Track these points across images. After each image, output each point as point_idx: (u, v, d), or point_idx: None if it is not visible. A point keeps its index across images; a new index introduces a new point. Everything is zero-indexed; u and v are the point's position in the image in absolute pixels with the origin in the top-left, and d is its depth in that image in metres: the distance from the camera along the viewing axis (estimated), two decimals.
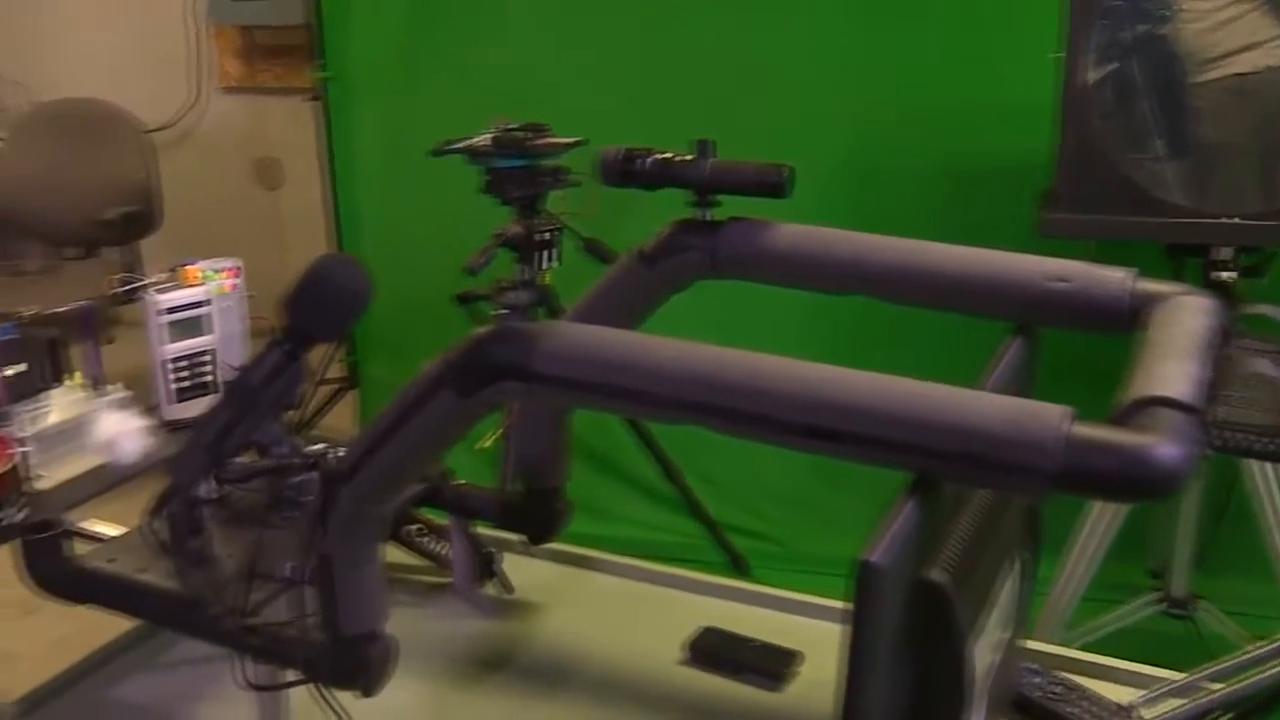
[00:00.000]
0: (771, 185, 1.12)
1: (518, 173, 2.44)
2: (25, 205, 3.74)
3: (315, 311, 0.97)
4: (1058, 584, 2.08)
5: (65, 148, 3.74)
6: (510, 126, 2.46)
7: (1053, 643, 1.26)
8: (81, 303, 1.40)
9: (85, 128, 3.76)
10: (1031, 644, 1.21)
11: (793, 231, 1.13)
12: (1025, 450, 0.71)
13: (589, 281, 2.52)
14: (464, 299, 2.68)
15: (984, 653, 0.84)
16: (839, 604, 1.33)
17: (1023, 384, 0.98)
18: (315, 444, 1.13)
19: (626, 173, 1.17)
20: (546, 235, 2.51)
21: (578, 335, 0.85)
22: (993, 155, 2.61)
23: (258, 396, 1.00)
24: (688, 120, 2.82)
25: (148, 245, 3.82)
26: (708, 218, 1.16)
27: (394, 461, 0.93)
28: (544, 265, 2.53)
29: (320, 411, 3.37)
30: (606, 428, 2.85)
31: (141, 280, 1.44)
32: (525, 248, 2.50)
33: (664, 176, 1.15)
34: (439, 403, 0.88)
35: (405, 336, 3.05)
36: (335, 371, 3.47)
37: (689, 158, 1.15)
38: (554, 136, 2.46)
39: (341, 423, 3.40)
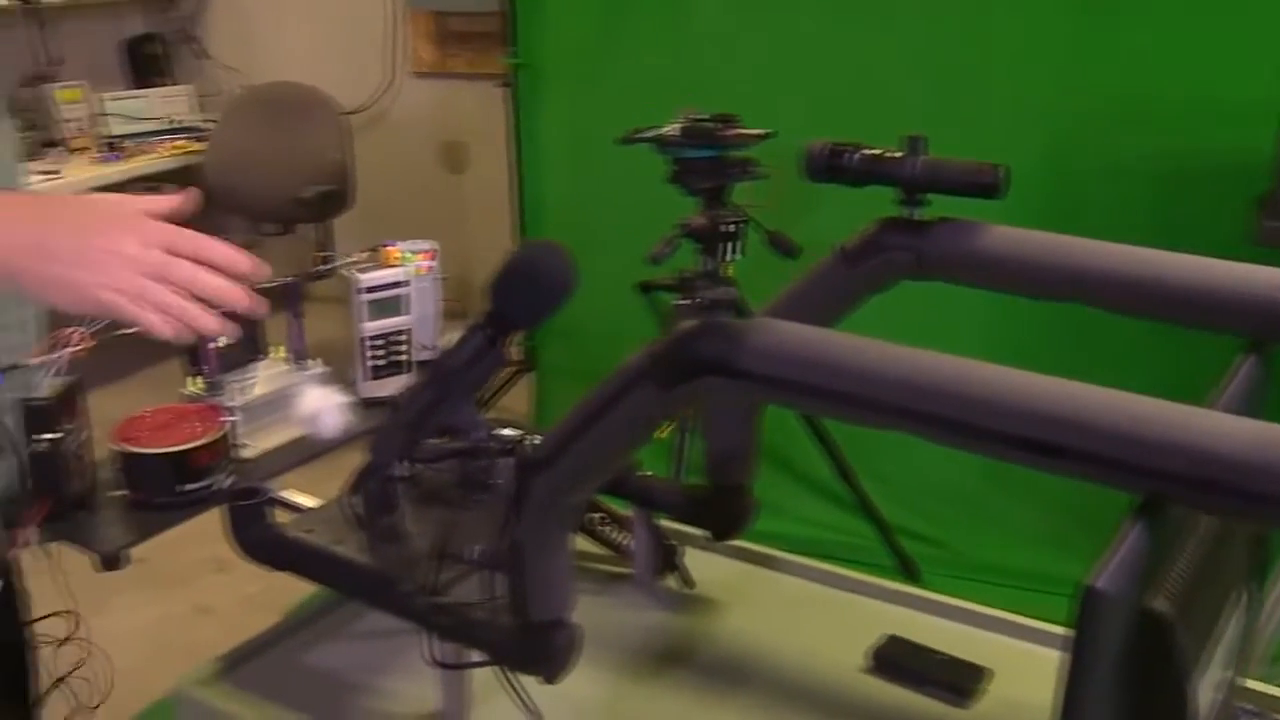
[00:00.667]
0: (985, 186, 1.07)
1: (706, 163, 2.42)
2: (232, 183, 3.91)
3: (519, 298, 0.97)
4: (1262, 613, 1.96)
5: (270, 129, 3.90)
6: (699, 117, 2.44)
7: (1254, 677, 1.18)
8: (287, 278, 1.43)
9: (289, 110, 3.92)
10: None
11: (1006, 234, 1.08)
12: (1276, 479, 0.66)
13: (770, 274, 2.49)
14: (645, 288, 2.69)
15: (1207, 690, 0.79)
16: (1029, 621, 1.28)
17: (1255, 405, 0.91)
18: (499, 427, 1.13)
19: (831, 168, 1.14)
20: (731, 227, 2.49)
21: (786, 333, 0.82)
22: (1206, 154, 2.47)
23: (457, 379, 1.00)
24: (876, 112, 2.75)
25: (339, 224, 3.95)
26: (915, 217, 1.12)
27: (591, 452, 0.92)
28: (727, 257, 2.51)
29: (497, 393, 3.43)
30: (782, 422, 2.82)
31: (344, 258, 1.48)
32: (709, 239, 2.48)
33: (871, 173, 1.12)
34: (639, 395, 0.87)
35: (584, 323, 3.06)
36: (512, 354, 3.53)
37: (898, 154, 1.11)
38: (743, 128, 2.44)
39: (518, 405, 3.45)
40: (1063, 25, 2.59)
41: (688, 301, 2.53)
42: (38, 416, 1.18)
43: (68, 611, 1.47)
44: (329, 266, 1.45)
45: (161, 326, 0.96)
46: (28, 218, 0.96)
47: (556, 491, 0.95)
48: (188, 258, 0.97)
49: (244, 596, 2.81)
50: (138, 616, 2.77)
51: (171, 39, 4.85)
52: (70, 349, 1.23)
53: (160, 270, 0.95)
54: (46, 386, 1.20)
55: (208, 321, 0.98)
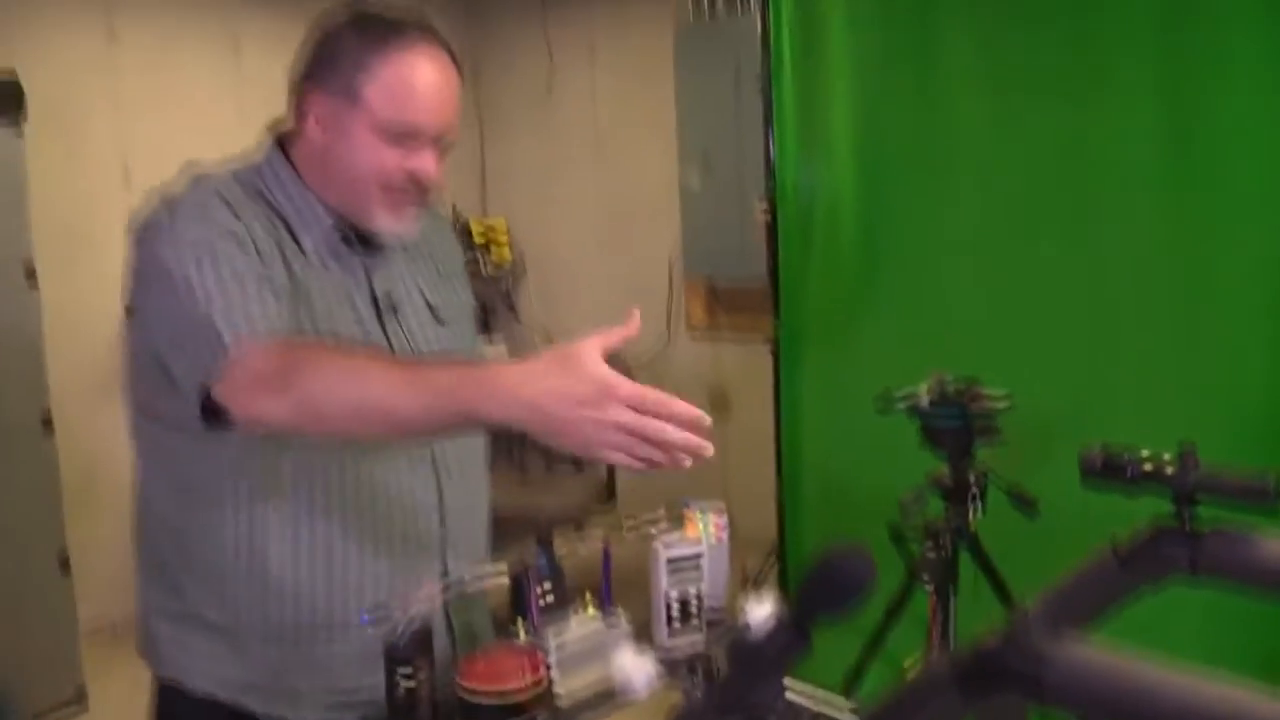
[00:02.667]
0: (1261, 495, 0.99)
1: (953, 427, 2.38)
2: None
3: (825, 593, 0.95)
4: None
5: None
6: (948, 383, 2.41)
7: None
8: (598, 543, 1.47)
9: None
10: None
11: None
12: None
13: (1010, 528, 2.37)
14: (895, 536, 2.61)
15: None
16: None
17: None
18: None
19: (1105, 472, 1.09)
20: (974, 484, 2.41)
21: (1099, 662, 0.77)
22: None
23: (764, 663, 0.98)
24: (1123, 375, 2.65)
25: None
26: (1189, 522, 1.04)
27: None
28: (972, 513, 2.42)
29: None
30: None
31: (650, 522, 1.50)
32: (956, 495, 2.41)
33: (1145, 480, 1.06)
34: (941, 700, 0.83)
35: None
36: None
37: (1170, 463, 1.05)
38: (988, 395, 2.39)
39: None
40: None
41: (934, 552, 2.44)
42: (399, 658, 1.23)
43: None
44: (634, 526, 1.47)
45: (639, 467, 1.11)
46: (526, 382, 1.11)
47: None
48: (652, 414, 1.09)
49: None
50: None
51: (494, 304, 5.22)
52: (429, 598, 1.28)
53: (637, 428, 1.08)
54: (407, 631, 1.24)
55: (672, 461, 1.11)
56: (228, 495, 1.37)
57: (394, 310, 1.46)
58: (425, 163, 1.38)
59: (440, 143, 1.40)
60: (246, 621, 1.40)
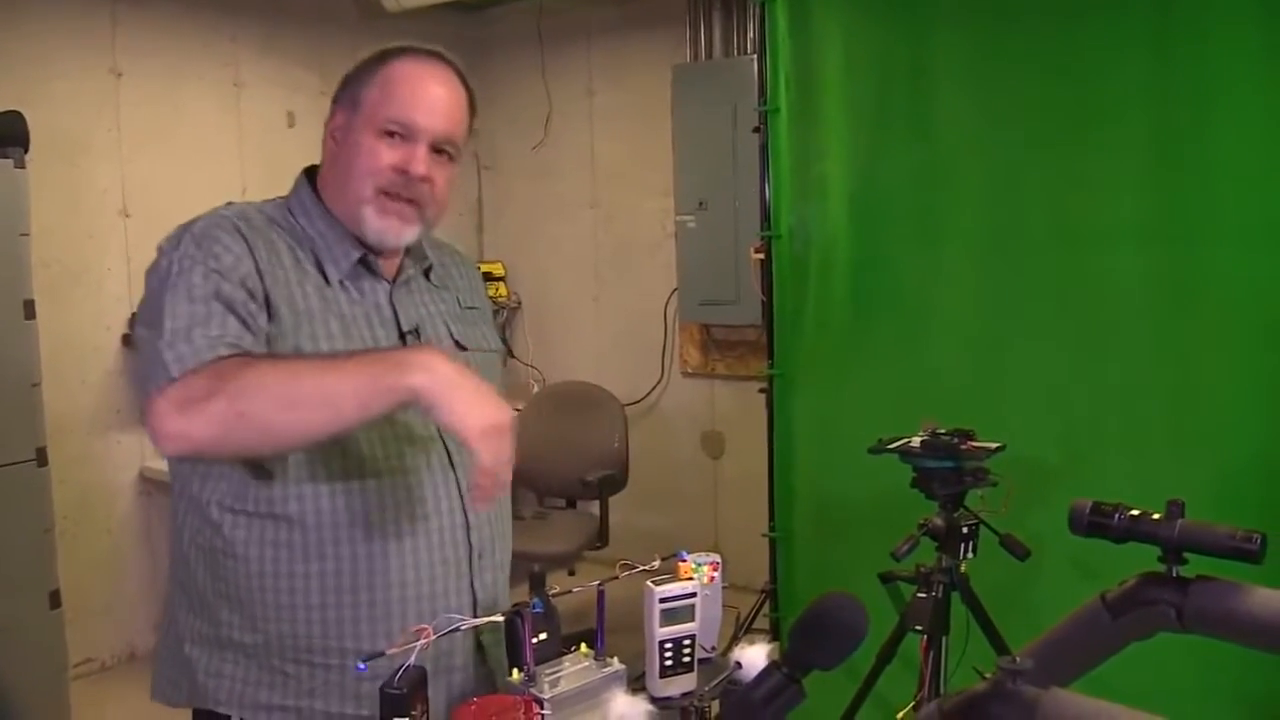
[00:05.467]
0: (1244, 552, 1.01)
1: (945, 472, 2.39)
2: (528, 464, 4.04)
3: (818, 643, 0.97)
4: None
5: (562, 420, 4.10)
6: (940, 431, 2.43)
7: None
8: (594, 585, 1.47)
9: (578, 404, 4.11)
10: None
11: (1268, 597, 1.01)
12: None
13: (1001, 572, 2.38)
14: (886, 579, 2.62)
15: None
16: None
17: None
18: None
19: (1094, 524, 1.11)
20: (965, 529, 2.42)
21: (1080, 709, 0.78)
22: None
23: (757, 713, 1.00)
24: (1113, 422, 2.66)
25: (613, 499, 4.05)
26: (1175, 574, 1.06)
27: None
28: (963, 556, 2.43)
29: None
30: None
31: (644, 567, 1.51)
32: (947, 539, 2.42)
33: (1132, 533, 1.08)
34: None
35: None
36: (761, 625, 3.47)
37: (1156, 516, 1.08)
38: (979, 441, 2.41)
39: None
40: None
41: (925, 594, 2.45)
42: (393, 704, 1.23)
43: None
44: (628, 573, 1.48)
45: (488, 461, 1.27)
46: (447, 361, 1.27)
47: None
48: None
49: None
50: None
51: None
52: (422, 642, 1.28)
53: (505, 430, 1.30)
54: (400, 676, 1.25)
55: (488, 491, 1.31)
56: (258, 516, 1.40)
57: (419, 339, 1.50)
58: (415, 159, 1.42)
59: (437, 147, 1.44)
60: (276, 642, 1.41)
